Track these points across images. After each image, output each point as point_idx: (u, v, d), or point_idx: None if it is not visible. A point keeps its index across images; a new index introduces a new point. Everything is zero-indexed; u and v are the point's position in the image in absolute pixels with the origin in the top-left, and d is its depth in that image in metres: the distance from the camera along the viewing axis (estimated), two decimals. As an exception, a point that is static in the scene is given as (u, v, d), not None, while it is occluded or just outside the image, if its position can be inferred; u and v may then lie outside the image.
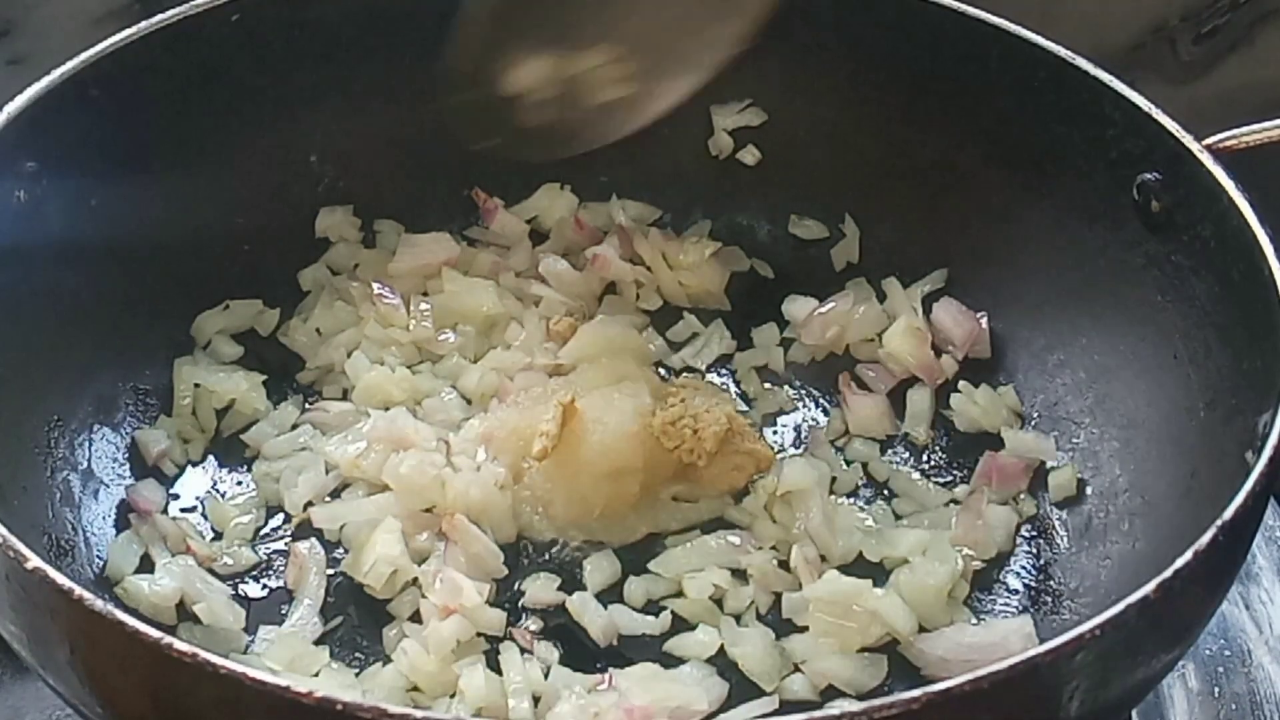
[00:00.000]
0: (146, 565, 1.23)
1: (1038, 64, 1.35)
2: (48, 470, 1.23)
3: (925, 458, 1.36)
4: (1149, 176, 1.29)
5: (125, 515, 1.26)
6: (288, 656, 1.16)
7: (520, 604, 1.22)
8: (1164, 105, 1.29)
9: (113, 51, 1.29)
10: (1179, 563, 0.99)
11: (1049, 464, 1.33)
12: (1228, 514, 1.02)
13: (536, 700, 1.15)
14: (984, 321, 1.42)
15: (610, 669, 1.17)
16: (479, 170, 1.49)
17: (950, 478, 1.34)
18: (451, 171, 1.49)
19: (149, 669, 0.94)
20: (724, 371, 1.43)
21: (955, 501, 1.31)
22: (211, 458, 1.33)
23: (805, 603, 1.20)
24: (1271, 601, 1.36)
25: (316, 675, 1.16)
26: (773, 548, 1.26)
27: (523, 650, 1.18)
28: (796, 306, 1.46)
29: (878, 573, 1.24)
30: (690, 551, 1.26)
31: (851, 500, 1.32)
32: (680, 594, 1.23)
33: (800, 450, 1.36)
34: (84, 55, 1.28)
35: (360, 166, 1.47)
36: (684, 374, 1.42)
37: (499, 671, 1.16)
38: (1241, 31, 1.72)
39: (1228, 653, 1.32)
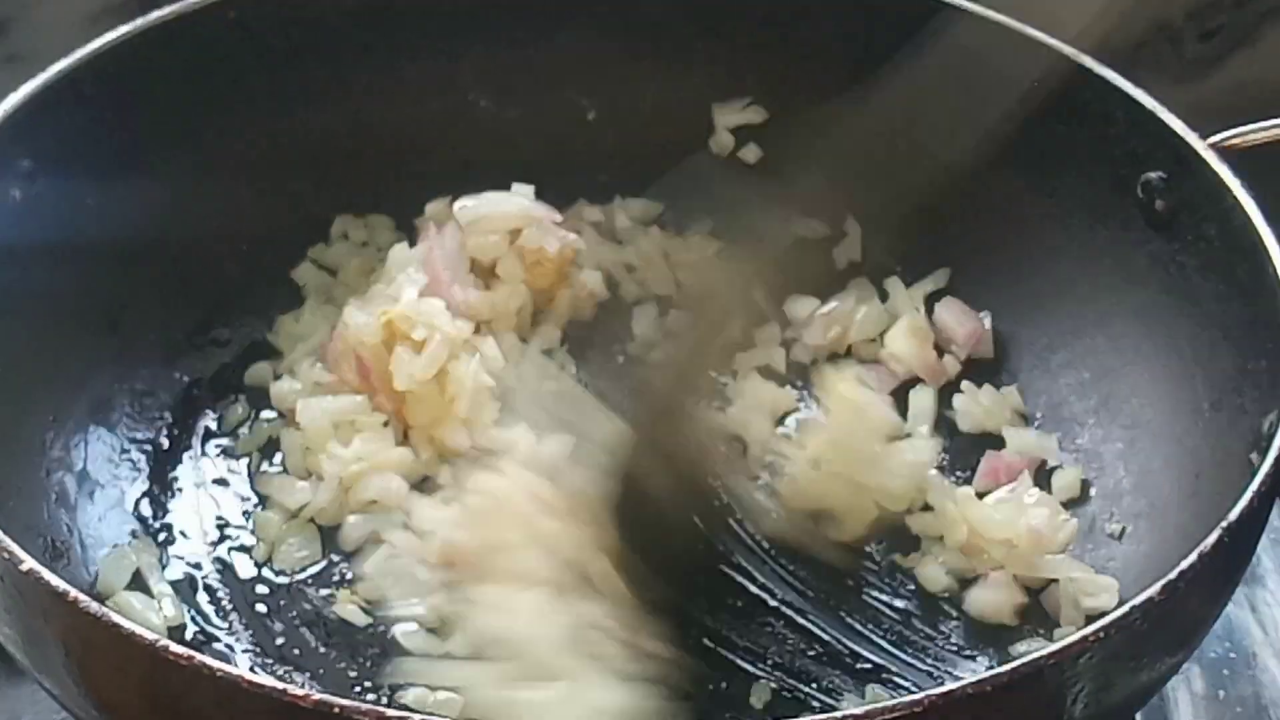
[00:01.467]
0: (138, 582, 1.22)
1: (1041, 62, 1.34)
2: (43, 471, 1.22)
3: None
4: (1153, 175, 1.29)
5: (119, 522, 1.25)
6: None
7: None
8: (1168, 104, 1.29)
9: (109, 49, 1.29)
10: (1184, 564, 0.99)
11: (1052, 464, 1.33)
12: (1233, 515, 1.02)
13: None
14: (987, 321, 1.42)
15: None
16: (477, 171, 1.49)
17: (953, 478, 1.34)
18: (450, 172, 1.49)
19: (144, 672, 0.94)
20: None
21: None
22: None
23: None
24: (1277, 604, 1.36)
25: None
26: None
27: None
28: (798, 306, 1.45)
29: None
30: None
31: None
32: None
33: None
34: (80, 53, 1.28)
35: (359, 165, 1.46)
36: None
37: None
38: (1246, 30, 1.73)
39: (1233, 655, 1.32)
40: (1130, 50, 1.71)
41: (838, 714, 0.89)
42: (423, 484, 1.29)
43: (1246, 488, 1.03)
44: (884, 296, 1.45)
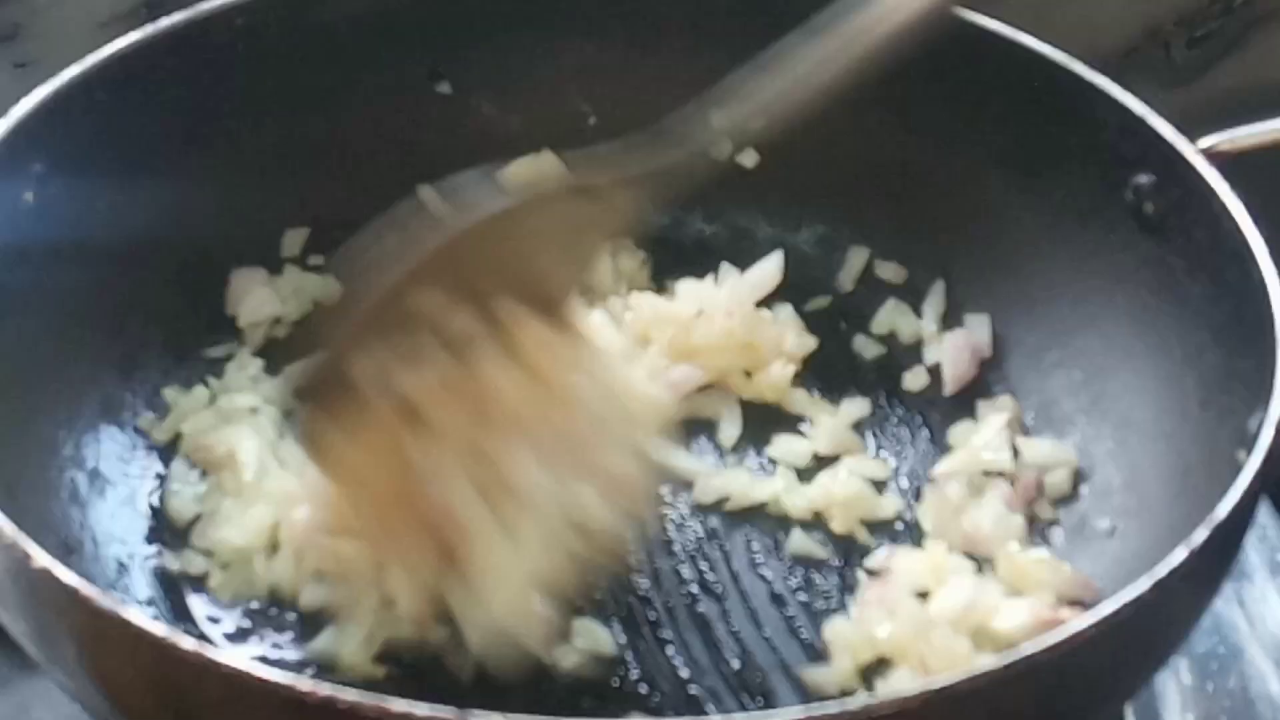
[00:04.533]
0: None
1: (1032, 67, 1.36)
2: (55, 469, 1.23)
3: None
4: (1143, 179, 1.30)
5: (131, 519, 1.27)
6: None
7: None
8: (1158, 108, 1.30)
9: (119, 55, 1.30)
10: (1173, 560, 1.00)
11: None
12: (1220, 512, 1.03)
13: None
14: (985, 332, 1.41)
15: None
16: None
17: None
18: (454, 176, 1.50)
19: (154, 666, 0.95)
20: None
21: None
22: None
23: None
24: (1264, 599, 1.37)
25: None
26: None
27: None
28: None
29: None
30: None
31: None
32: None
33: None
34: (91, 59, 1.29)
35: (365, 168, 1.48)
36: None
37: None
38: (1235, 35, 1.73)
39: (1221, 649, 1.33)
40: (1120, 56, 1.72)
41: (831, 709, 0.90)
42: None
43: (1234, 485, 1.05)
44: (881, 299, 1.46)
